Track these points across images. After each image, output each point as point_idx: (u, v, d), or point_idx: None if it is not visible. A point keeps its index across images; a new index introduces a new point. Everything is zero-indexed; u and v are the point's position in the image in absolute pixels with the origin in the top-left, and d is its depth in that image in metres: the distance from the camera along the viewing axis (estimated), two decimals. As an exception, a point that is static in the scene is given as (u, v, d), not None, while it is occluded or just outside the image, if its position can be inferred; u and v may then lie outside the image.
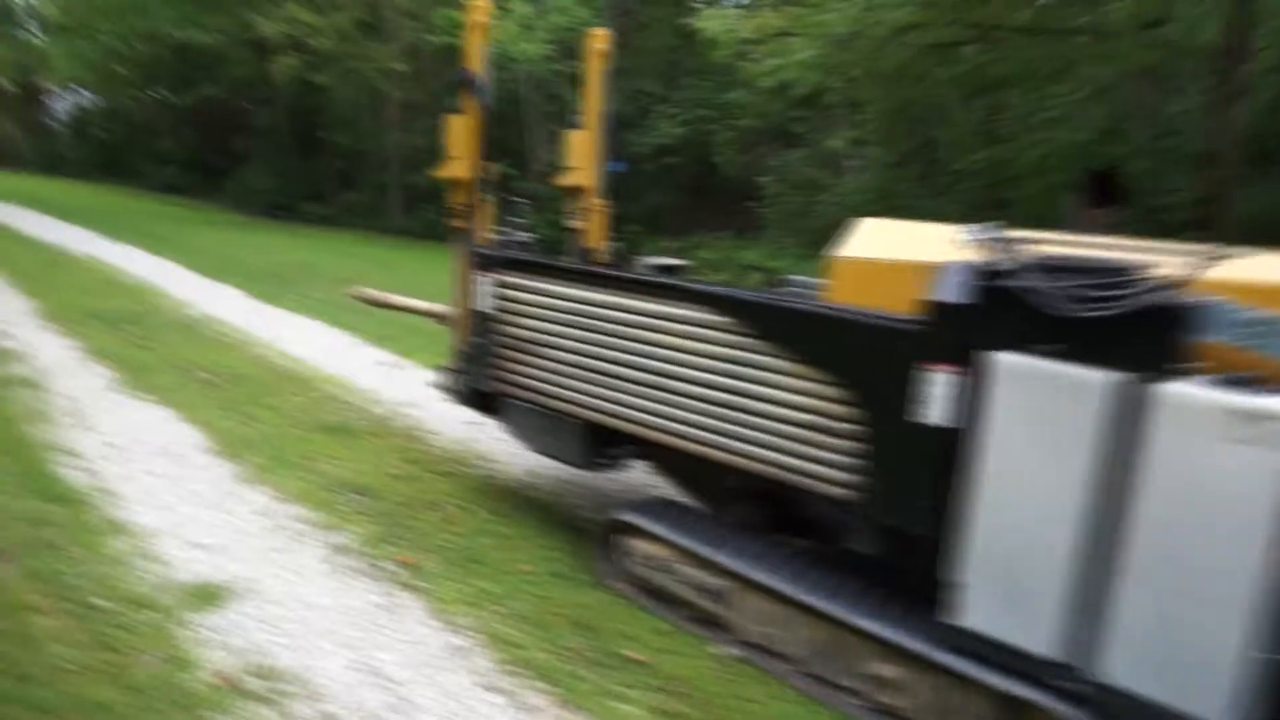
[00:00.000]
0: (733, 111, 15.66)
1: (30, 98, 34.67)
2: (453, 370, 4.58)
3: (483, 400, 4.44)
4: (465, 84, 4.24)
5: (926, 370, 2.68)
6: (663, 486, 4.91)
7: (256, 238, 17.29)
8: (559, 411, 3.89)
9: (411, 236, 18.62)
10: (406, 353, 7.75)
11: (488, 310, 4.14)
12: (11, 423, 5.22)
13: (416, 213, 19.50)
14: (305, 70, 18.70)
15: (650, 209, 16.06)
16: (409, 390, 6.63)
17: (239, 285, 10.85)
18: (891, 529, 2.95)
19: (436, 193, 19.41)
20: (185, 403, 5.86)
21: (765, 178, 14.59)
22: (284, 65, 18.67)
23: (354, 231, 19.26)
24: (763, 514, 3.67)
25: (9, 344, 7.14)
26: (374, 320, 8.71)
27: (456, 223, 4.43)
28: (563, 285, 3.80)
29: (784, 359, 3.07)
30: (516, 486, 4.88)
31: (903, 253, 3.18)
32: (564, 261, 4.37)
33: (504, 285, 4.06)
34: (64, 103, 34.75)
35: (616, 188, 4.93)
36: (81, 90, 32.74)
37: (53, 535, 3.87)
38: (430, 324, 6.42)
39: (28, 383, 6.13)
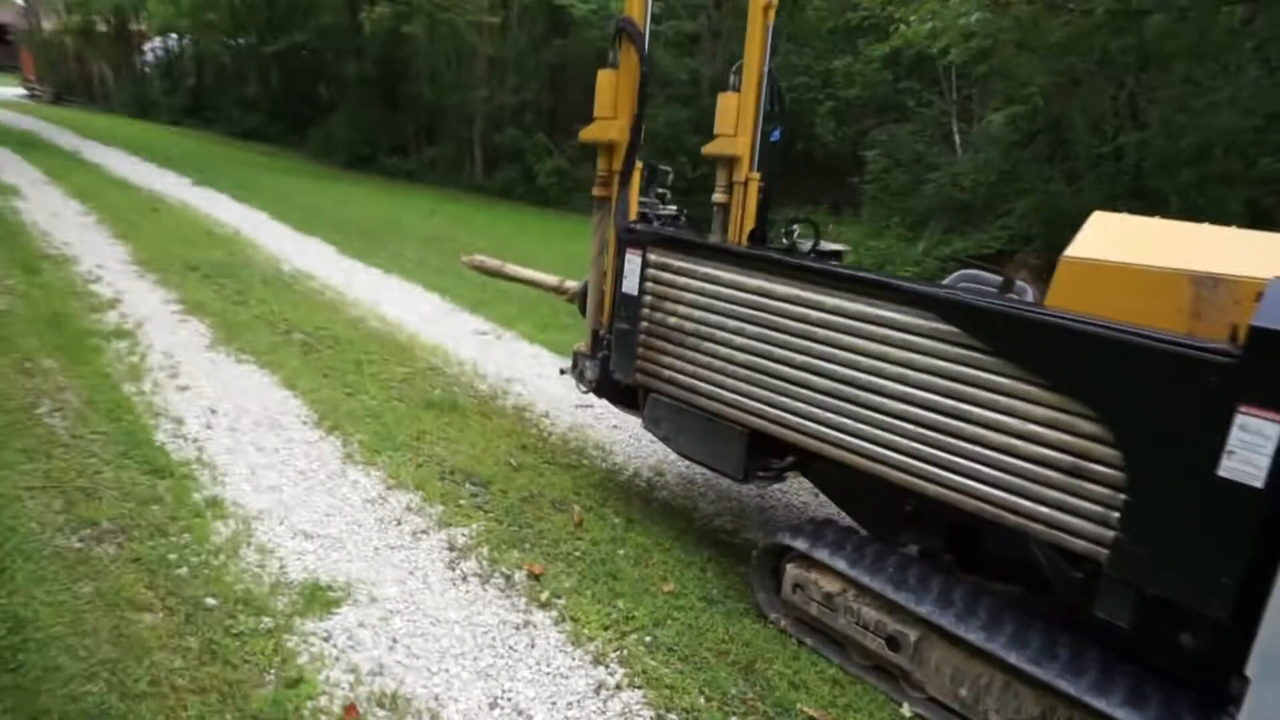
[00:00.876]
0: (834, 81, 14.80)
1: (123, 41, 35.15)
2: (588, 357, 4.12)
3: (621, 393, 3.98)
4: (623, 34, 3.70)
5: (1240, 414, 2.12)
6: (800, 492, 4.44)
7: (339, 189, 17.09)
8: (717, 414, 3.41)
9: (491, 195, 18.28)
10: (505, 321, 7.35)
11: (635, 293, 3.66)
12: (112, 381, 4.94)
13: (497, 172, 19.12)
14: (395, 21, 18.31)
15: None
16: (512, 364, 6.24)
17: (328, 239, 10.57)
18: (1156, 600, 2.41)
19: (518, 153, 18.76)
20: (285, 367, 5.55)
21: (869, 152, 13.73)
22: (375, 15, 18.33)
23: (433, 187, 18.96)
24: (949, 548, 3.16)
25: (105, 291, 6.93)
26: (469, 284, 8.35)
27: (600, 192, 3.94)
28: (732, 272, 3.28)
29: (1025, 381, 2.53)
30: (643, 486, 4.43)
31: (1165, 259, 2.60)
32: (734, 245, 3.85)
33: (657, 266, 3.57)
34: (155, 47, 35.13)
35: (771, 160, 4.38)
36: (173, 35, 33.01)
37: (158, 515, 3.55)
38: (533, 292, 5.99)
39: (124, 334, 5.89)
